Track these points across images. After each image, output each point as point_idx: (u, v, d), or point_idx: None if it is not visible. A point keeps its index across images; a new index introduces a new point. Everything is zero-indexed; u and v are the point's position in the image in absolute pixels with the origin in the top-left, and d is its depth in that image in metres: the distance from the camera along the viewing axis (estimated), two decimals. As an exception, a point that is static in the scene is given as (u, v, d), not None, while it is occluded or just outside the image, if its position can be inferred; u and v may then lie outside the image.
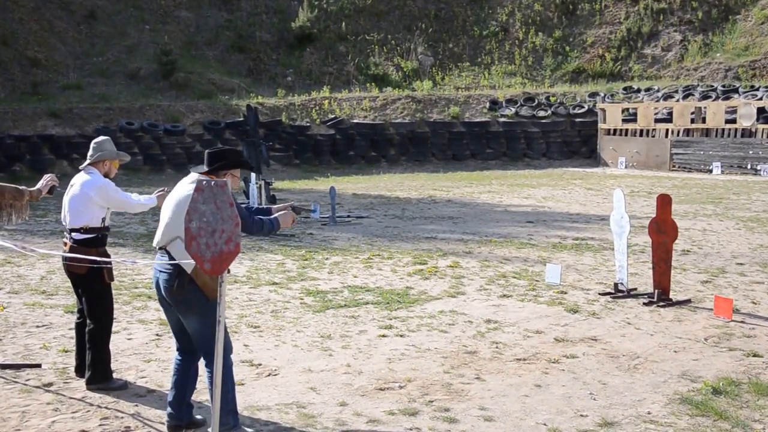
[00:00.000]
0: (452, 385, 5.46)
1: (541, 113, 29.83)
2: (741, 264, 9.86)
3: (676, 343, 6.49)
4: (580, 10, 35.89)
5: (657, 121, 27.12)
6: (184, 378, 4.69)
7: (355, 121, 29.25)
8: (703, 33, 33.06)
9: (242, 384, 5.40)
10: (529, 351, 6.28)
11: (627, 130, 27.92)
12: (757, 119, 24.49)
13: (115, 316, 5.80)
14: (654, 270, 7.97)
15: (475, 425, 4.77)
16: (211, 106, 29.07)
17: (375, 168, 27.64)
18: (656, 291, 7.85)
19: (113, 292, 5.76)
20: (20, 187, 5.64)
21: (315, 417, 4.87)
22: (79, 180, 5.49)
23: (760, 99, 25.47)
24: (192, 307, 4.44)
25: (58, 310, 7.58)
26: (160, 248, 4.55)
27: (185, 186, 4.55)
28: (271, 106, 29.55)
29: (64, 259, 5.49)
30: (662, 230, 7.93)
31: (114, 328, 5.86)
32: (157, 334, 6.71)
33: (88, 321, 5.45)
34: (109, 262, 5.48)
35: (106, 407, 5.06)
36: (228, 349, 4.52)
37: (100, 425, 4.77)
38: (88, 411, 5.00)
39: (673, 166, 26.15)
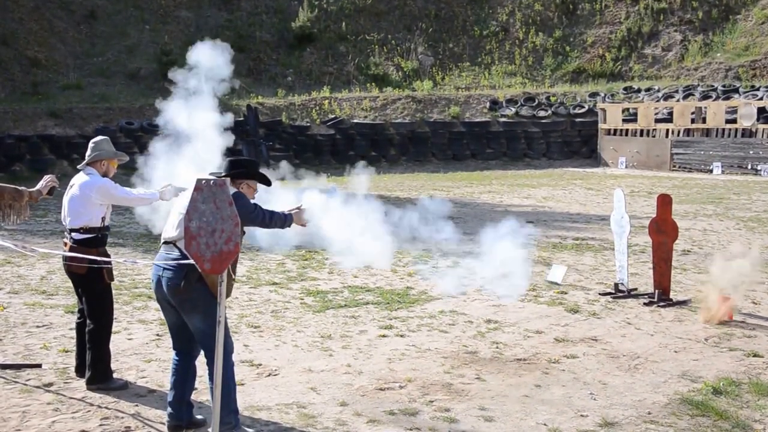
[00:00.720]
0: (452, 385, 5.46)
1: (542, 113, 29.82)
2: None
3: (677, 343, 6.49)
4: (580, 9, 35.87)
5: (657, 121, 27.12)
6: (184, 378, 4.69)
7: (355, 121, 29.25)
8: (704, 33, 33.05)
9: (242, 384, 5.40)
10: (530, 351, 6.28)
11: (627, 130, 27.91)
12: (758, 119, 24.48)
13: (115, 316, 5.80)
14: (654, 270, 7.97)
15: (475, 425, 4.77)
16: (211, 106, 29.03)
17: (375, 168, 27.63)
18: (656, 291, 7.85)
19: (113, 292, 5.76)
20: (19, 188, 5.64)
21: (315, 417, 4.87)
22: (78, 180, 5.49)
23: (761, 99, 25.46)
24: (197, 306, 4.42)
25: (59, 310, 7.58)
26: (168, 243, 4.52)
27: None
28: (271, 106, 29.55)
29: (65, 258, 5.49)
30: (662, 230, 7.92)
31: (114, 328, 5.86)
32: (158, 334, 6.71)
33: (88, 321, 5.45)
34: (109, 262, 5.48)
35: (106, 407, 5.06)
36: (229, 349, 4.52)
37: (100, 425, 4.77)
38: (89, 411, 5.00)
39: (674, 166, 26.15)
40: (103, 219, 5.49)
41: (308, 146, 28.31)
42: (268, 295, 8.34)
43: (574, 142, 29.50)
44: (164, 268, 4.47)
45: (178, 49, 33.07)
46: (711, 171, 24.81)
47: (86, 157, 5.56)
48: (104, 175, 5.55)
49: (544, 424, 4.77)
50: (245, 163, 4.80)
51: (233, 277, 4.53)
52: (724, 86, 28.04)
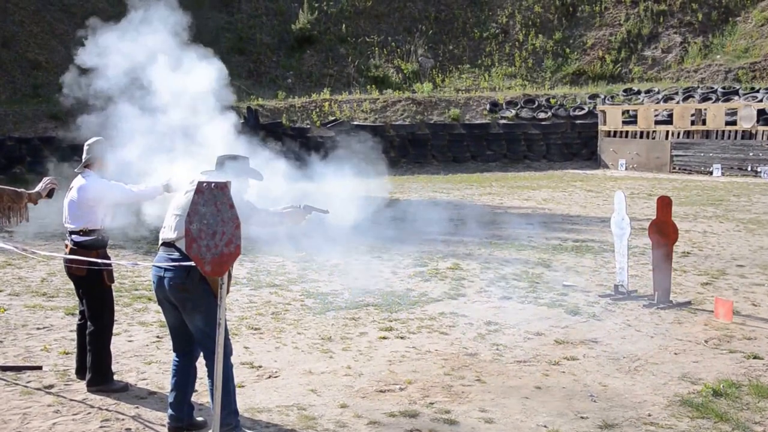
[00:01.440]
0: (453, 387, 5.47)
1: (542, 115, 29.83)
2: (741, 266, 9.86)
3: (677, 345, 6.50)
4: (580, 12, 35.90)
5: (657, 123, 27.12)
6: (184, 379, 4.70)
7: (355, 123, 29.26)
8: (703, 35, 33.07)
9: (243, 386, 5.40)
10: (530, 353, 6.28)
11: (627, 131, 27.92)
12: (758, 121, 24.49)
13: (115, 318, 5.80)
14: (654, 272, 7.97)
15: (475, 427, 4.77)
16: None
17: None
18: (656, 293, 7.85)
19: (114, 294, 5.76)
20: (19, 190, 5.64)
21: (315, 419, 4.88)
22: (76, 183, 5.49)
23: (761, 101, 25.46)
24: (199, 306, 4.42)
25: (59, 312, 7.59)
26: (167, 244, 4.52)
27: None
28: (272, 108, 29.56)
29: (65, 261, 5.49)
30: (663, 232, 7.93)
31: (115, 330, 5.87)
32: (158, 336, 6.71)
33: (88, 323, 5.45)
34: (110, 264, 5.49)
35: (107, 409, 5.07)
36: (228, 351, 4.52)
37: (101, 427, 4.77)
38: (89, 413, 5.00)
39: (674, 168, 26.15)
40: (103, 221, 5.49)
41: (308, 148, 28.33)
42: (269, 296, 8.34)
43: (574, 144, 29.51)
44: (165, 269, 4.47)
45: (178, 51, 33.12)
46: (711, 173, 24.82)
47: (82, 160, 5.55)
48: (102, 175, 5.54)
49: (545, 426, 4.77)
50: (236, 159, 4.75)
51: (231, 275, 4.52)
52: (723, 88, 28.05)
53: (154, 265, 4.59)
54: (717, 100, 26.92)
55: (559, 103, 30.50)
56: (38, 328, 7.03)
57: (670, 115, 26.91)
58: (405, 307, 7.82)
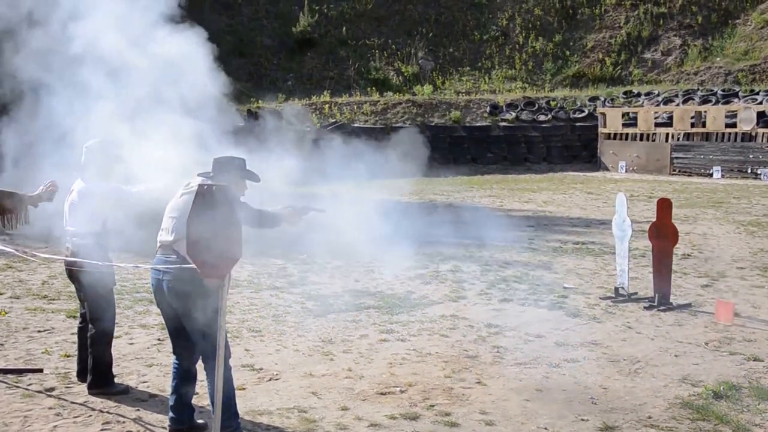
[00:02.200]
0: (453, 390, 5.47)
1: (542, 117, 29.84)
2: (741, 268, 9.86)
3: (677, 347, 6.50)
4: (580, 14, 35.93)
5: (657, 125, 27.13)
6: (184, 382, 4.70)
7: (355, 125, 29.28)
8: (703, 37, 33.10)
9: (243, 389, 5.41)
10: (530, 355, 6.28)
11: (627, 134, 27.92)
12: (757, 123, 24.50)
13: (116, 320, 5.80)
14: (654, 274, 7.98)
15: (476, 429, 4.78)
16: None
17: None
18: (657, 295, 7.86)
19: (115, 296, 5.76)
20: (19, 193, 5.65)
21: (316, 421, 4.88)
22: (76, 186, 5.49)
23: (760, 103, 25.48)
24: (198, 309, 4.41)
25: (60, 315, 7.59)
26: (165, 247, 4.51)
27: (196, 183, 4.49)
28: (272, 110, 29.57)
29: (66, 263, 5.50)
30: (663, 234, 7.93)
31: (116, 333, 5.87)
32: (159, 339, 6.72)
33: (89, 325, 5.45)
34: (111, 266, 5.49)
35: (107, 412, 5.07)
36: (227, 354, 4.52)
37: (102, 430, 4.78)
38: (90, 416, 5.01)
39: (674, 170, 26.16)
40: (104, 223, 5.49)
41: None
42: (269, 299, 8.34)
43: (575, 147, 29.51)
44: (164, 272, 4.47)
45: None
46: (711, 175, 24.82)
47: (82, 163, 5.55)
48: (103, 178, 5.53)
49: (545, 428, 4.77)
50: (232, 161, 4.73)
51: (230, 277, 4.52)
52: (723, 90, 28.06)
53: (152, 268, 4.59)
54: (717, 102, 26.93)
55: (559, 105, 30.52)
56: (39, 331, 7.03)
57: (670, 118, 26.92)
58: (405, 310, 7.82)
